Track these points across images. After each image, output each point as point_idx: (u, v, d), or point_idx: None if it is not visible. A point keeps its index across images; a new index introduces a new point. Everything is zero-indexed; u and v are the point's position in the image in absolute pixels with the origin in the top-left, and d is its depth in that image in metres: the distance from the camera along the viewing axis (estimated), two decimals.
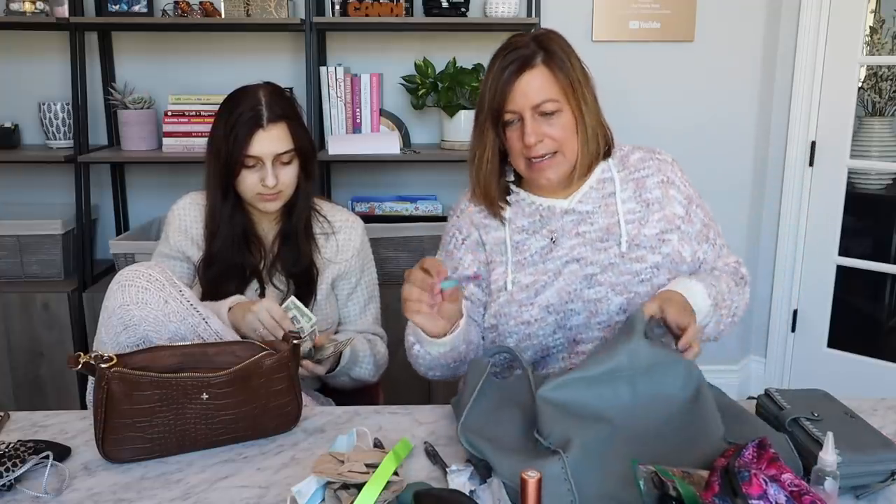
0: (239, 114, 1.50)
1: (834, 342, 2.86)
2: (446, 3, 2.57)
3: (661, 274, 1.39)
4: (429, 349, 1.32)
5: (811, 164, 2.81)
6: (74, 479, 1.10)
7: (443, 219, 2.59)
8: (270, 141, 1.50)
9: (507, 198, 1.46)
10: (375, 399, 1.73)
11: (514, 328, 1.39)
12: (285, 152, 1.52)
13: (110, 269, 2.73)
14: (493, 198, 1.43)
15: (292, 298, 1.50)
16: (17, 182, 2.89)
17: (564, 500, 0.96)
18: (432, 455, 1.15)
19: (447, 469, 1.08)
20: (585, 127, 1.36)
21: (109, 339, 1.31)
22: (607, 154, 1.44)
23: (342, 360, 1.56)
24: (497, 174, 1.42)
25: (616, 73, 2.78)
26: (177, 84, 2.77)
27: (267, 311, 1.42)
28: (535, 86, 1.32)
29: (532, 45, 1.34)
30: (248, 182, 1.52)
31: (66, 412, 1.32)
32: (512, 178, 1.46)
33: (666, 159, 1.47)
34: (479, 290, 1.45)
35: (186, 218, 1.63)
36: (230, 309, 1.46)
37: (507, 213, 1.45)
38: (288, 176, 1.54)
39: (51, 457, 1.08)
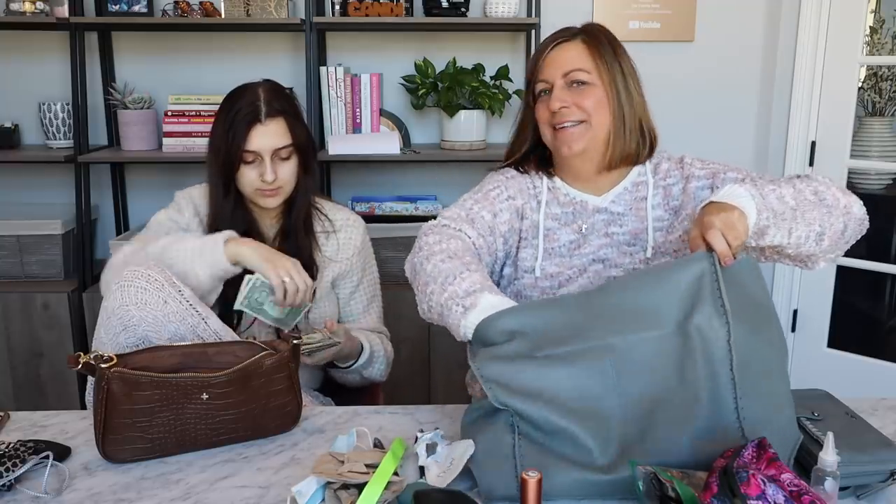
0: (238, 109, 1.50)
1: (834, 342, 2.85)
2: (446, 3, 2.56)
3: None
4: None
5: (811, 163, 2.81)
6: (74, 479, 1.10)
7: None
8: (268, 136, 1.50)
9: (548, 185, 1.44)
10: (375, 399, 1.73)
11: None
12: (284, 147, 1.52)
13: None
14: (516, 157, 1.47)
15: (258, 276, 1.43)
16: (17, 182, 2.89)
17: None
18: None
19: (418, 434, 1.13)
20: (622, 110, 1.36)
21: (109, 339, 1.31)
22: (649, 154, 1.42)
23: (361, 357, 1.57)
24: (530, 144, 1.45)
25: None
26: (177, 84, 2.77)
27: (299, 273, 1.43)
28: (567, 56, 1.37)
29: (577, 28, 1.42)
30: (248, 177, 1.52)
31: (66, 412, 1.32)
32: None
33: (687, 162, 1.44)
34: (497, 246, 1.42)
35: (202, 207, 1.62)
36: (227, 242, 1.42)
37: (544, 197, 1.43)
38: (287, 171, 1.54)
39: (51, 457, 1.08)
